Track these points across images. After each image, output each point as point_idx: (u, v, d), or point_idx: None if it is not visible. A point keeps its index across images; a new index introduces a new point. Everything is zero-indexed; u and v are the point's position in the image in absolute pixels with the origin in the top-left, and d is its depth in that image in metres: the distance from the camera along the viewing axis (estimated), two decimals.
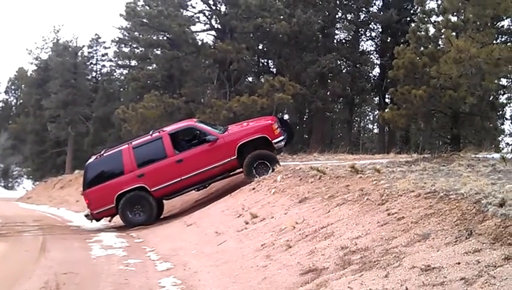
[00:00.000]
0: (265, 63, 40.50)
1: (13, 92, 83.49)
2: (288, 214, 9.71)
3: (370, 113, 52.60)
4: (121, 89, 48.21)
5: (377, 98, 39.16)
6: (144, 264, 9.54)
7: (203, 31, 34.73)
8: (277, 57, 36.49)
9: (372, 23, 36.82)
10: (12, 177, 72.14)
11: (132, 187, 15.20)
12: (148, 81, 35.50)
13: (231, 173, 15.94)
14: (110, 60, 53.09)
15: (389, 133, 36.41)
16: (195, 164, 15.06)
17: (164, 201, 16.28)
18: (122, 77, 47.85)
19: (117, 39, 44.13)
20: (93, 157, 16.47)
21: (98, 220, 15.98)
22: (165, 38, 33.90)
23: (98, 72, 55.39)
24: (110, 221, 16.09)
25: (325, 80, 34.30)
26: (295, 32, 31.20)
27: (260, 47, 37.70)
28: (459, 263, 4.98)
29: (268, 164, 14.83)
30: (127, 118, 31.62)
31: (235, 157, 15.08)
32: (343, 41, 37.17)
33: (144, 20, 32.99)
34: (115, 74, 53.18)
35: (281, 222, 9.32)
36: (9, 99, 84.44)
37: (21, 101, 76.01)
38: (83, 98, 50.48)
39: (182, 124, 16.82)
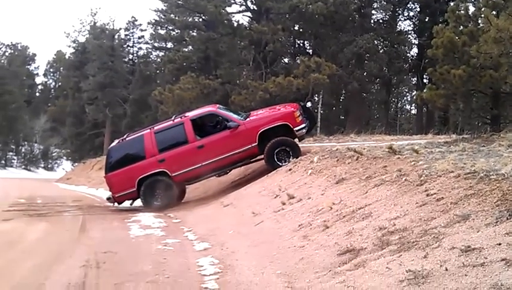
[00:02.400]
0: (301, 44, 40.25)
1: (52, 75, 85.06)
2: (325, 195, 9.68)
3: (407, 94, 52.06)
4: (157, 71, 48.46)
5: (415, 79, 38.65)
6: (182, 244, 9.61)
7: (239, 12, 34.75)
8: (313, 37, 36.29)
9: (410, 2, 36.33)
10: (52, 159, 73.57)
11: (153, 172, 15.24)
12: (184, 63, 35.61)
13: (252, 160, 15.96)
14: (147, 43, 53.57)
15: (427, 114, 35.98)
16: (216, 150, 15.02)
17: (202, 181, 16.33)
18: (159, 59, 48.14)
19: (153, 21, 44.41)
20: (116, 141, 16.67)
21: (120, 203, 16.07)
22: (200, 20, 34.00)
23: (135, 55, 55.88)
24: (131, 204, 16.18)
25: (361, 61, 33.93)
26: (331, 13, 30.99)
27: (296, 28, 37.41)
28: (499, 244, 4.91)
29: (290, 151, 14.79)
30: (163, 99, 31.86)
31: (256, 144, 15.00)
32: (380, 21, 36.81)
33: (180, 2, 33.18)
34: (151, 56, 53.62)
35: (318, 203, 9.29)
36: (48, 82, 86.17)
37: (60, 83, 77.41)
38: (120, 80, 50.99)
39: (204, 109, 16.79)
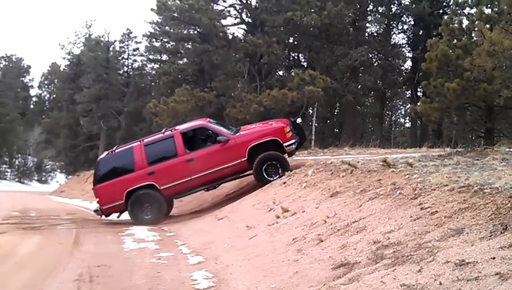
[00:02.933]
0: (295, 57, 40.41)
1: (46, 87, 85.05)
2: (319, 208, 9.67)
3: (402, 107, 52.30)
4: (152, 84, 48.49)
5: (409, 92, 38.85)
6: (176, 257, 9.59)
7: (234, 24, 34.82)
8: (307, 50, 36.40)
9: (404, 15, 36.59)
10: (45, 171, 73.27)
11: (142, 185, 15.18)
12: (179, 75, 35.66)
13: (241, 175, 15.97)
14: (142, 55, 53.55)
15: (421, 127, 36.12)
16: (205, 164, 15.03)
17: (197, 193, 16.29)
18: (153, 72, 48.11)
19: (148, 34, 44.40)
20: (105, 153, 16.63)
21: (107, 215, 16.00)
22: (195, 32, 34.05)
23: (130, 67, 55.87)
24: (118, 217, 16.11)
25: (356, 74, 34.06)
26: (326, 26, 31.08)
27: (291, 40, 37.58)
28: (494, 258, 4.90)
29: (279, 166, 14.83)
30: (158, 112, 31.85)
31: (245, 159, 15.05)
32: (375, 34, 37.01)
33: (175, 14, 33.17)
34: (146, 68, 53.56)
35: (312, 216, 9.28)
36: (42, 94, 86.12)
37: (54, 96, 77.38)
38: (115, 92, 50.99)
39: (194, 123, 16.83)
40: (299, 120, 16.61)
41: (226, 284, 7.23)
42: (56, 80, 76.50)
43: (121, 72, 55.22)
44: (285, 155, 15.40)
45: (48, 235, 13.25)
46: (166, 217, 15.51)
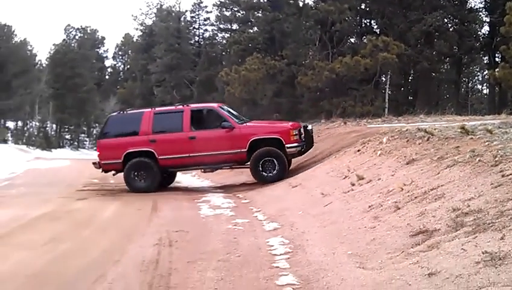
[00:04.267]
0: (368, 23, 39.60)
1: (120, 57, 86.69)
2: (395, 176, 9.56)
3: (479, 74, 50.68)
4: (223, 53, 48.75)
5: (487, 57, 37.58)
6: (252, 224, 9.70)
7: None
8: (380, 16, 35.62)
9: None
10: None
11: (141, 149, 15.40)
12: (250, 44, 35.73)
13: (239, 166, 16.02)
14: (212, 24, 53.89)
15: (499, 93, 34.93)
16: (206, 145, 15.11)
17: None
18: (224, 41, 48.38)
19: (218, 3, 44.66)
20: (117, 112, 17.21)
21: (105, 171, 16.24)
22: (265, 0, 33.91)
23: (201, 37, 56.28)
24: (114, 175, 16.37)
25: (431, 39, 33.16)
26: None
27: (363, 7, 36.89)
28: None
29: (276, 163, 14.83)
30: (229, 80, 32.10)
31: (245, 150, 15.05)
32: None
33: None
34: (216, 37, 53.89)
35: (388, 184, 9.19)
36: (117, 65, 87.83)
37: (128, 66, 78.86)
38: (187, 62, 51.52)
39: (206, 104, 17.55)
40: (309, 127, 16.41)
41: (302, 250, 7.28)
42: (130, 51, 77.92)
43: (192, 41, 55.71)
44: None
45: (127, 201, 13.64)
46: (161, 189, 15.76)
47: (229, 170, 16.94)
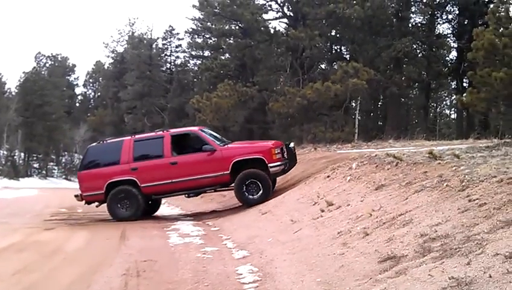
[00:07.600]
0: (338, 50, 40.15)
1: (91, 85, 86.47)
2: (364, 202, 9.57)
3: (447, 98, 51.41)
4: (195, 80, 48.88)
5: (454, 82, 38.20)
6: (221, 252, 9.61)
7: (275, 18, 34.91)
8: (350, 42, 36.12)
9: (449, 5, 35.87)
10: None
11: (123, 178, 15.19)
12: (222, 71, 35.89)
13: (223, 188, 15.89)
14: (184, 51, 54.13)
15: (467, 118, 35.44)
16: (188, 169, 14.97)
17: None
18: (196, 68, 48.54)
19: (190, 30, 44.87)
20: (96, 142, 17.00)
21: (88, 203, 15.98)
22: (237, 27, 34.21)
23: (172, 64, 56.44)
24: (97, 207, 16.03)
25: (400, 65, 33.68)
26: (369, 17, 30.86)
27: (333, 33, 37.35)
28: None
29: (260, 184, 14.66)
30: (201, 107, 32.11)
31: (228, 172, 14.85)
32: (419, 24, 36.44)
33: (217, 10, 33.43)
34: (188, 64, 54.04)
35: (357, 210, 9.19)
36: (87, 93, 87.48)
37: (99, 94, 78.66)
38: (158, 89, 51.62)
39: (187, 128, 17.36)
40: (291, 144, 16.38)
41: (271, 278, 7.21)
42: (100, 78, 77.75)
43: (164, 69, 55.85)
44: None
45: (95, 231, 13.47)
46: (145, 217, 15.49)
47: (199, 197, 16.81)
